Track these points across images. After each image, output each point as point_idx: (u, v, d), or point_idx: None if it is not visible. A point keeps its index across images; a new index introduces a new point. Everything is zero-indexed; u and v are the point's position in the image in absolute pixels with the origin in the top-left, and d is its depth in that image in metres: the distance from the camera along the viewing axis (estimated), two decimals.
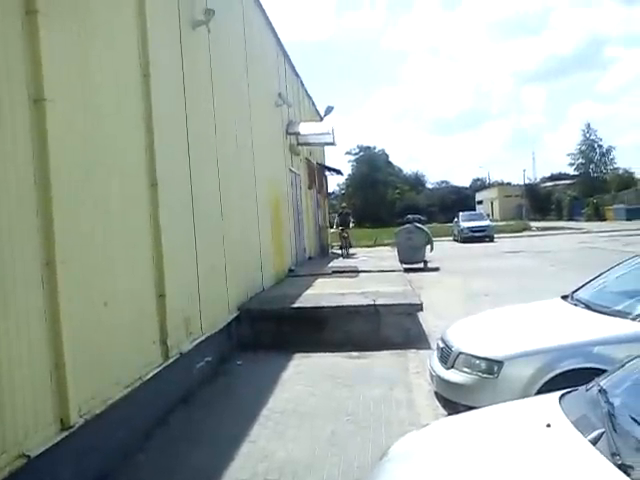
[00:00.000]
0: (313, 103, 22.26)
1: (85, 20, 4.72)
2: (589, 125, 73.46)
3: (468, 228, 34.92)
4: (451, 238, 36.95)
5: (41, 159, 3.93)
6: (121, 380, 4.86)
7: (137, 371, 5.18)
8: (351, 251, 22.32)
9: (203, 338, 7.00)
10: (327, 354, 7.94)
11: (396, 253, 19.42)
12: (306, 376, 7.04)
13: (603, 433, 2.33)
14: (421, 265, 18.95)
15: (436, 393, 5.30)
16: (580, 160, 72.79)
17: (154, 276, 5.81)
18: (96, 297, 4.59)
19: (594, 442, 2.31)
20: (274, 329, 8.74)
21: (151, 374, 5.41)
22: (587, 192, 62.82)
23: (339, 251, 22.47)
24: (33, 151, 3.89)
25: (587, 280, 6.05)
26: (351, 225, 24.32)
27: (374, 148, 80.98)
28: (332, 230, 25.66)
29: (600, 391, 2.75)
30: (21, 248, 3.71)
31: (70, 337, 4.04)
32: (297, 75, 18.22)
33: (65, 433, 3.95)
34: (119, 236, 5.10)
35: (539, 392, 4.22)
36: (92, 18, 4.85)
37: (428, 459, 2.74)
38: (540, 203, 69.62)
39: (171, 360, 5.93)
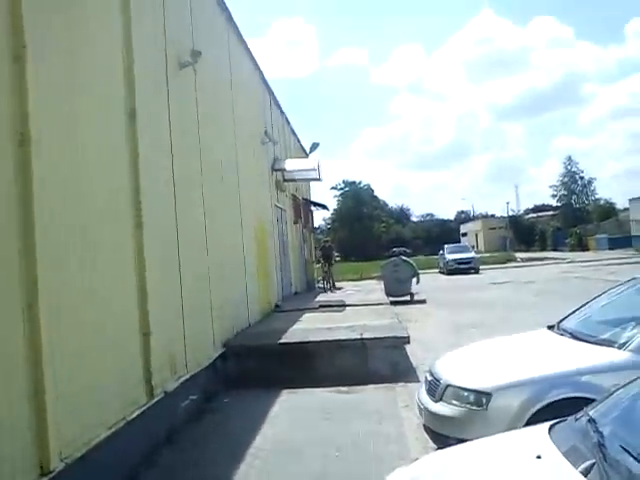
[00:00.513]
0: (298, 140, 22.49)
1: (71, 61, 4.76)
2: (570, 157, 75.11)
3: (453, 260, 35.14)
4: (437, 270, 37.12)
5: (25, 201, 3.91)
6: (104, 421, 4.75)
7: (121, 411, 5.08)
8: (337, 285, 22.18)
9: (188, 376, 6.89)
10: (315, 389, 7.84)
11: (382, 286, 19.43)
12: (294, 412, 6.95)
13: (594, 464, 2.31)
14: (408, 298, 18.95)
15: (425, 426, 5.24)
16: (562, 192, 74.08)
17: (138, 314, 5.74)
18: (79, 336, 4.52)
19: (585, 473, 2.29)
20: (261, 365, 8.63)
21: (135, 414, 5.30)
22: (570, 223, 63.77)
23: (323, 286, 22.01)
24: (18, 191, 3.87)
25: (572, 310, 6.07)
26: (335, 259, 23.78)
27: (359, 183, 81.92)
28: (317, 265, 25.08)
29: (589, 421, 2.74)
30: (2, 289, 3.65)
31: (51, 377, 3.96)
32: (282, 112, 18.43)
33: (45, 479, 3.83)
34: (103, 275, 5.04)
35: (528, 423, 4.18)
36: (78, 59, 4.89)
37: None
38: (524, 234, 70.34)
39: (156, 399, 5.82)
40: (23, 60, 3.95)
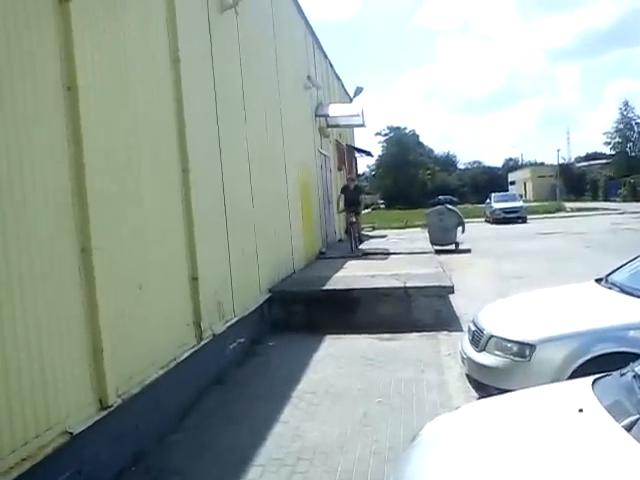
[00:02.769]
0: (342, 84, 22.12)
1: (114, 10, 4.77)
2: (627, 103, 71.33)
3: (500, 209, 34.45)
4: (483, 219, 36.56)
5: (76, 148, 4.01)
6: (156, 361, 4.97)
7: (172, 352, 5.29)
8: (376, 233, 20.14)
9: (236, 320, 7.10)
10: (358, 336, 7.98)
11: (427, 235, 19.31)
12: (337, 357, 7.10)
13: (638, 419, 2.32)
14: (452, 247, 18.82)
15: (467, 376, 5.31)
16: (617, 139, 70.79)
17: (187, 260, 5.90)
18: (131, 281, 4.69)
19: (628, 428, 2.30)
20: (305, 311, 8.81)
21: (185, 355, 5.52)
22: (624, 172, 61.23)
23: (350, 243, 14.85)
24: (68, 142, 3.96)
25: (622, 263, 5.96)
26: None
27: (404, 129, 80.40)
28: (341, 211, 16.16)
29: (635, 377, 2.72)
30: (58, 236, 3.81)
31: (106, 320, 4.15)
32: (326, 56, 18.09)
33: (104, 412, 4.07)
34: (153, 222, 5.19)
35: (572, 376, 4.20)
36: (122, 6, 4.89)
37: (460, 442, 2.76)
38: (574, 183, 68.28)
39: (204, 342, 6.04)
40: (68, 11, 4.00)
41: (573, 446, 2.35)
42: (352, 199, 14.99)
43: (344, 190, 15.30)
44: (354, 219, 14.99)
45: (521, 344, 4.68)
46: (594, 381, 2.91)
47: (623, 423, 2.33)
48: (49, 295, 3.65)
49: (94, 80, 4.30)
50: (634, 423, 2.30)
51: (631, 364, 2.93)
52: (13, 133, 3.46)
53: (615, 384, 2.81)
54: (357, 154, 26.17)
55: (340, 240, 18.71)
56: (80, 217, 4.02)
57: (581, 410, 2.58)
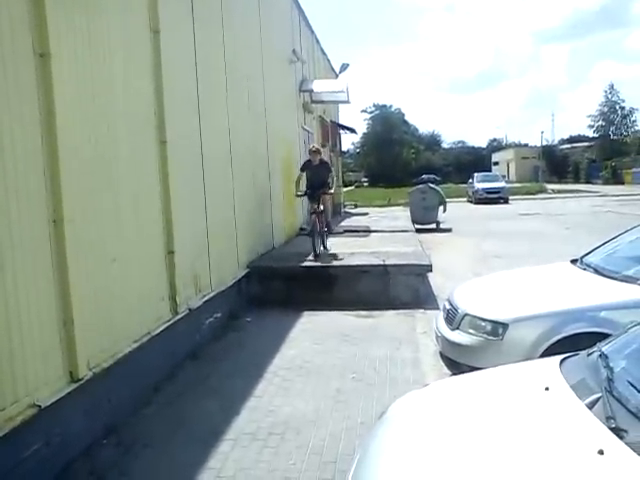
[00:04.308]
0: (328, 60, 21.87)
1: None
2: (612, 86, 71.28)
3: (483, 189, 34.66)
4: (465, 199, 36.72)
5: (48, 117, 3.90)
6: (130, 335, 4.94)
7: (146, 326, 5.26)
8: (358, 210, 20.52)
9: (212, 294, 7.07)
10: (335, 312, 8.00)
11: (409, 213, 19.35)
12: (313, 333, 7.12)
13: (600, 397, 2.34)
14: (433, 226, 18.90)
15: (441, 354, 5.35)
16: (600, 122, 71.02)
17: (163, 233, 5.84)
18: (105, 254, 4.63)
19: (590, 406, 2.32)
20: (283, 287, 8.80)
21: (160, 329, 5.49)
22: (606, 155, 61.65)
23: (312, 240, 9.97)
24: (40, 109, 3.85)
25: (597, 244, 6.00)
26: (332, 187, 10.63)
27: (390, 107, 79.86)
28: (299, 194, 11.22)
29: (601, 356, 2.75)
30: (28, 206, 3.72)
31: (78, 293, 4.10)
32: (312, 31, 17.83)
33: (74, 385, 4.04)
34: (128, 194, 5.10)
35: (543, 356, 4.23)
36: None
37: (427, 418, 2.78)
38: (557, 165, 68.62)
39: (180, 316, 6.01)
40: None
41: (537, 423, 2.37)
42: (317, 179, 10.41)
43: (306, 167, 10.72)
44: (320, 207, 10.24)
45: (494, 323, 4.72)
46: (562, 360, 2.94)
47: (586, 401, 2.35)
48: (18, 266, 3.58)
49: (67, 47, 4.18)
50: (596, 401, 2.32)
51: (598, 344, 2.95)
52: None
53: (582, 363, 2.83)
54: (341, 131, 26.01)
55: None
56: (52, 188, 3.93)
57: (547, 388, 2.60)
